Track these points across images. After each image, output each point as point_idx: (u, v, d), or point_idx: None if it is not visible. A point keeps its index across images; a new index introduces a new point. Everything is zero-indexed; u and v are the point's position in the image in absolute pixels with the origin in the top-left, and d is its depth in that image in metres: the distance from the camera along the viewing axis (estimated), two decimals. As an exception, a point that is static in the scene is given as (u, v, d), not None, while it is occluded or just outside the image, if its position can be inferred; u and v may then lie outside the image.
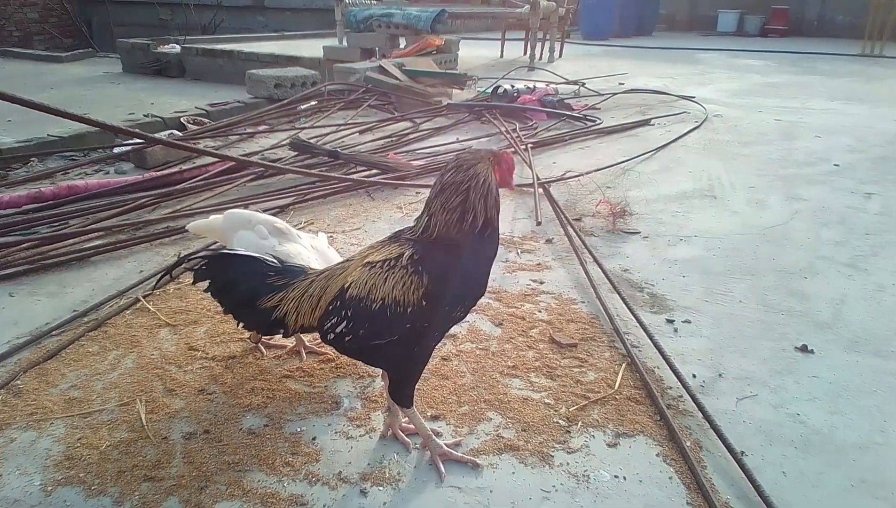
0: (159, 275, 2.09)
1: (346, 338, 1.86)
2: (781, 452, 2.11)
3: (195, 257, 2.07)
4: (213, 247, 3.18)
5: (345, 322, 1.84)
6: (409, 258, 1.80)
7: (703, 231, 3.94)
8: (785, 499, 1.89)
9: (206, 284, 2.06)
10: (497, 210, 1.85)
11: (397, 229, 1.97)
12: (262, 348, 2.60)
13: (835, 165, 5.37)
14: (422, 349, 1.93)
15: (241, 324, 2.07)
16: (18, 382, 2.36)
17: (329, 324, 1.87)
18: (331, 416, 2.24)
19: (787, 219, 4.16)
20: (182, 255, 2.08)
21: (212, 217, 2.71)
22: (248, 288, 1.98)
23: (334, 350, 2.17)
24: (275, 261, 2.05)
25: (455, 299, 1.85)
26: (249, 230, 2.46)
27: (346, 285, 1.85)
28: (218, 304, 2.08)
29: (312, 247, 2.51)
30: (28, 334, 2.68)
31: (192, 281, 2.11)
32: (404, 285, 1.78)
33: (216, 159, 4.77)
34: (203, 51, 9.84)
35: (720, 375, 2.52)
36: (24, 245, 3.39)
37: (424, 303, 1.78)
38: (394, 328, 1.81)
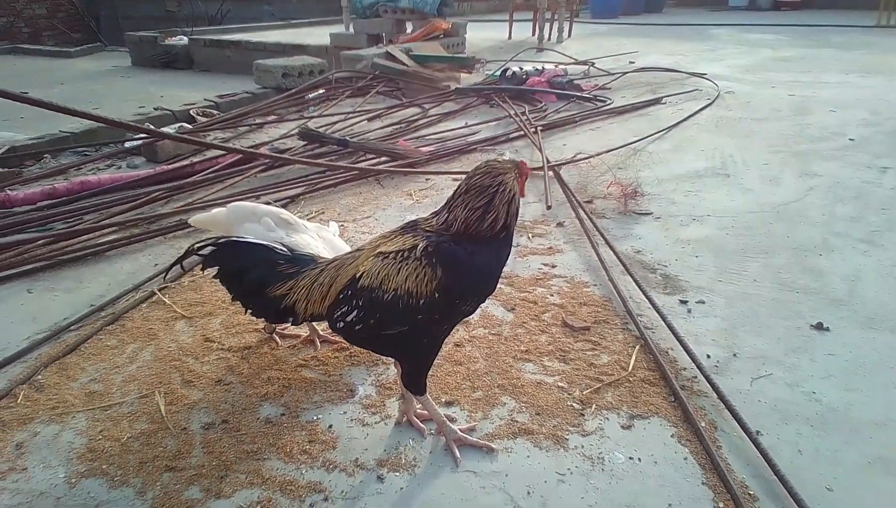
0: (169, 266, 2.09)
1: (356, 327, 1.87)
2: (797, 430, 2.11)
3: (205, 244, 2.07)
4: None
5: (355, 311, 1.85)
6: (424, 250, 1.80)
7: (716, 210, 3.90)
8: (801, 478, 1.89)
9: (215, 270, 2.08)
10: (516, 218, 1.90)
11: (410, 220, 1.98)
12: (277, 338, 2.62)
13: (850, 139, 5.29)
14: (431, 340, 1.94)
15: (249, 311, 2.08)
16: (40, 377, 2.41)
17: (339, 313, 1.88)
18: (346, 404, 2.27)
19: (801, 196, 4.12)
20: (193, 245, 2.07)
21: (214, 211, 2.72)
22: (257, 276, 1.99)
23: (344, 340, 2.17)
24: (284, 249, 2.06)
25: (466, 293, 1.86)
26: (255, 223, 2.47)
27: (357, 275, 1.86)
28: (226, 291, 2.09)
29: (320, 237, 2.52)
30: (47, 329, 2.72)
31: (201, 268, 2.13)
32: (417, 277, 1.78)
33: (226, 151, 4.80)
34: (211, 42, 9.84)
35: (734, 355, 2.51)
36: (40, 242, 3.44)
37: (437, 295, 1.79)
38: (405, 318, 1.82)
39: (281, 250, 2.05)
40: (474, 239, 1.82)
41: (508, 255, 1.94)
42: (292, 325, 2.07)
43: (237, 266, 2.02)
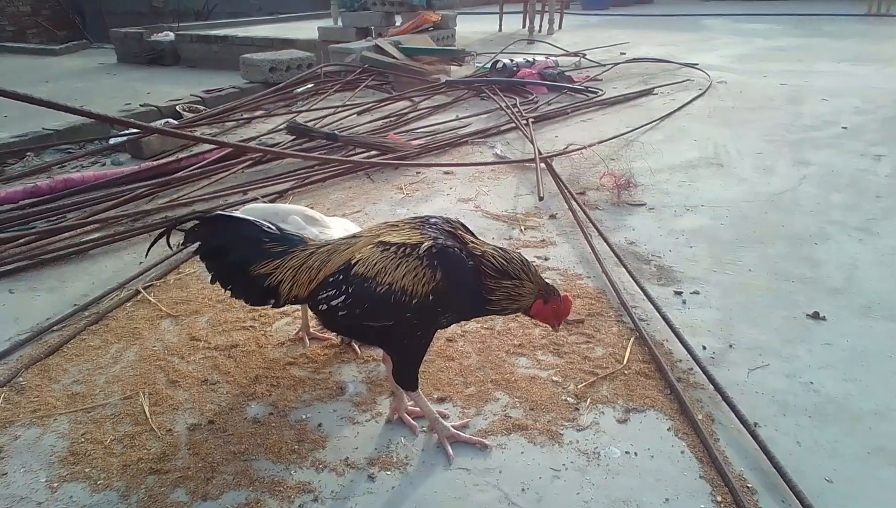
0: (153, 241, 1.99)
1: (340, 312, 1.80)
2: (795, 422, 2.07)
3: (189, 218, 1.95)
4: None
5: (343, 297, 1.78)
6: (427, 250, 1.75)
7: (710, 200, 3.87)
8: (800, 470, 1.85)
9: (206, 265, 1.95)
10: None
11: (425, 215, 1.91)
12: (307, 338, 2.55)
13: (843, 127, 5.27)
14: (413, 340, 1.89)
15: (227, 291, 1.92)
16: (21, 379, 2.34)
17: (325, 295, 1.81)
18: (336, 402, 2.22)
19: (795, 185, 4.08)
20: (175, 219, 1.97)
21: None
22: (241, 253, 1.87)
23: (320, 322, 2.03)
24: (272, 227, 1.94)
25: (454, 304, 1.82)
26: (281, 223, 2.37)
27: (353, 261, 1.79)
28: (206, 269, 1.95)
29: (345, 230, 2.44)
30: (29, 330, 2.65)
31: (182, 243, 1.94)
32: (415, 276, 1.73)
33: (213, 147, 4.72)
34: (197, 37, 9.73)
35: (731, 346, 2.47)
36: (21, 241, 3.36)
37: (431, 298, 1.74)
38: (392, 314, 1.77)
39: (269, 227, 1.92)
40: (483, 265, 1.80)
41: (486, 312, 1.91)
42: (273, 307, 1.94)
43: (221, 242, 1.89)
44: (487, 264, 1.81)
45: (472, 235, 1.91)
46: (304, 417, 2.14)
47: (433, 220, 1.89)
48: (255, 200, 3.89)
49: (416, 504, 1.80)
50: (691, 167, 4.44)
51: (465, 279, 1.79)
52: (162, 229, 1.99)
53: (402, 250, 1.76)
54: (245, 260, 1.86)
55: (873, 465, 1.89)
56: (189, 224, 1.94)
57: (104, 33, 12.21)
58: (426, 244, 1.76)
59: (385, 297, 1.74)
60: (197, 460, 1.95)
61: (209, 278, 1.92)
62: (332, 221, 2.46)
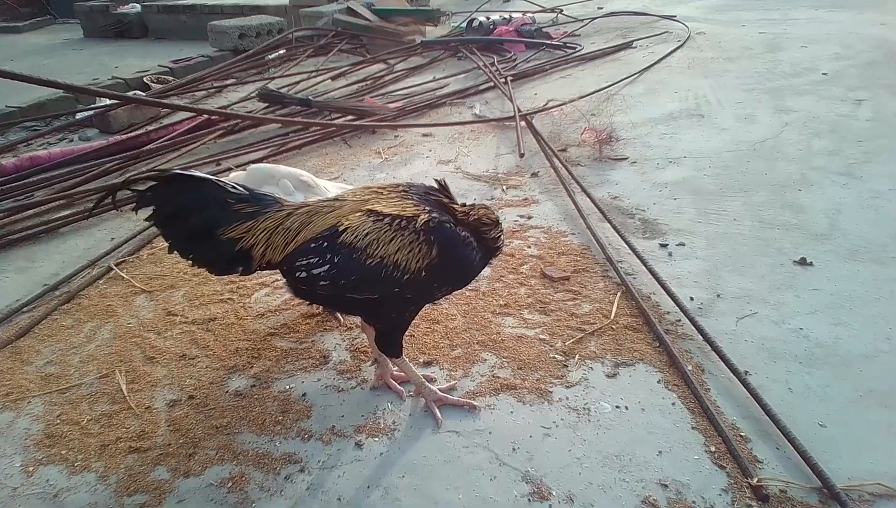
0: (91, 207, 1.80)
1: (321, 282, 1.69)
2: (786, 368, 2.05)
3: (144, 176, 1.76)
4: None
5: (327, 267, 1.67)
6: (425, 224, 1.67)
7: (693, 151, 3.81)
8: (792, 416, 1.83)
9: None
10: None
11: (408, 182, 1.83)
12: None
13: (823, 73, 5.21)
14: (398, 315, 1.83)
15: (188, 260, 1.75)
16: (-9, 362, 2.26)
17: (305, 262, 1.68)
18: (320, 371, 2.16)
19: (777, 132, 4.03)
20: (128, 177, 1.81)
21: (232, 174, 2.51)
22: (205, 216, 1.71)
23: (290, 289, 1.86)
24: (239, 187, 1.78)
25: (448, 279, 1.78)
26: (273, 186, 2.27)
27: (340, 228, 1.68)
28: (162, 236, 1.80)
29: None
30: (-2, 312, 2.56)
31: (134, 209, 1.76)
32: (411, 251, 1.65)
33: (183, 118, 4.58)
34: (164, 7, 9.38)
35: (718, 295, 2.44)
36: (-13, 222, 3.24)
37: (423, 274, 1.67)
38: (380, 288, 1.69)
39: (233, 187, 1.77)
40: (476, 232, 1.77)
41: (484, 267, 1.89)
42: (241, 274, 1.78)
43: (181, 205, 1.71)
44: (484, 224, 1.78)
45: (450, 196, 1.83)
46: (287, 387, 2.09)
47: (415, 187, 1.81)
48: (229, 169, 3.78)
49: (405, 469, 1.76)
50: (672, 119, 4.37)
51: (461, 254, 1.73)
52: (102, 193, 1.78)
53: (397, 222, 1.67)
54: (210, 224, 1.70)
55: (865, 408, 1.88)
56: (141, 185, 1.74)
57: (69, 9, 11.72)
58: (423, 218, 1.67)
59: (375, 270, 1.65)
60: (178, 436, 1.90)
61: (166, 247, 1.75)
62: (329, 186, 2.35)
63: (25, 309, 2.58)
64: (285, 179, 2.28)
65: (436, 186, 1.83)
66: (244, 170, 2.50)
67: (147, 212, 1.74)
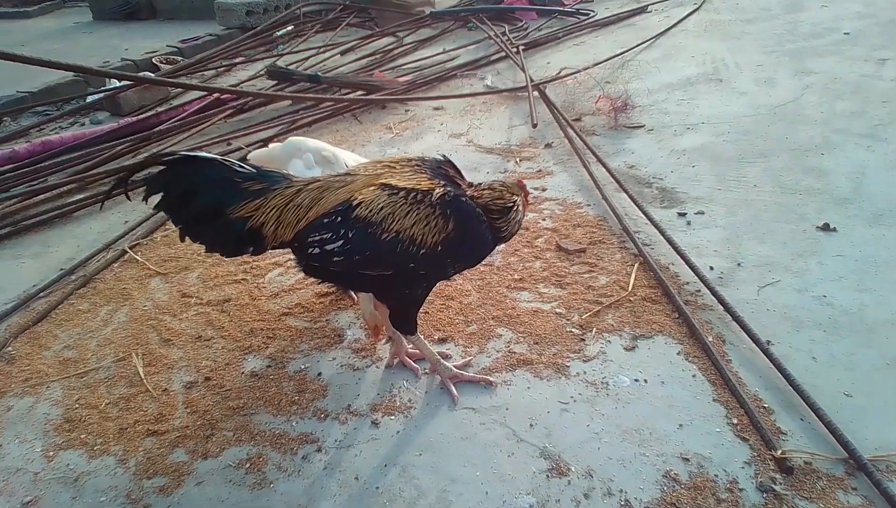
0: (103, 198, 1.79)
1: (335, 258, 1.65)
2: (809, 337, 2.00)
3: (145, 164, 1.74)
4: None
5: (341, 242, 1.62)
6: (441, 198, 1.62)
7: (711, 117, 3.71)
8: (816, 385, 1.79)
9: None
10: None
11: (420, 156, 1.77)
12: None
13: (844, 33, 5.05)
14: (411, 292, 1.79)
15: (201, 243, 1.71)
16: (10, 348, 2.27)
17: (318, 237, 1.64)
18: (335, 350, 2.15)
19: (798, 95, 3.92)
20: (134, 165, 1.79)
21: (271, 145, 2.46)
22: (213, 197, 1.65)
23: (302, 268, 1.79)
24: (244, 166, 1.70)
25: (464, 254, 1.74)
26: (299, 159, 2.25)
27: (353, 202, 1.63)
28: (171, 220, 1.74)
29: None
30: (15, 298, 2.57)
31: (144, 197, 1.72)
32: (427, 225, 1.61)
33: (193, 98, 4.55)
34: (171, -13, 9.31)
35: (739, 264, 2.39)
36: (1, 208, 3.25)
37: (439, 248, 1.63)
38: (396, 263, 1.65)
39: (241, 166, 1.69)
40: (488, 211, 1.73)
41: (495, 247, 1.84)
42: (253, 254, 1.73)
43: (185, 188, 1.66)
44: (492, 207, 1.74)
45: (461, 174, 1.79)
46: (302, 367, 2.08)
47: (427, 161, 1.77)
48: (239, 148, 3.76)
49: (421, 447, 1.75)
50: (690, 84, 4.26)
51: (476, 230, 1.69)
52: (114, 182, 1.74)
53: (412, 195, 1.62)
54: (218, 204, 1.66)
55: (892, 375, 1.83)
56: (148, 171, 1.71)
57: (78, -9, 11.72)
58: (438, 191, 1.63)
59: (391, 245, 1.61)
60: (195, 418, 1.90)
61: (175, 226, 1.71)
62: (349, 159, 2.25)
63: (42, 294, 2.59)
64: (309, 153, 2.24)
65: (443, 159, 1.79)
66: (279, 142, 2.46)
67: (157, 199, 1.69)
